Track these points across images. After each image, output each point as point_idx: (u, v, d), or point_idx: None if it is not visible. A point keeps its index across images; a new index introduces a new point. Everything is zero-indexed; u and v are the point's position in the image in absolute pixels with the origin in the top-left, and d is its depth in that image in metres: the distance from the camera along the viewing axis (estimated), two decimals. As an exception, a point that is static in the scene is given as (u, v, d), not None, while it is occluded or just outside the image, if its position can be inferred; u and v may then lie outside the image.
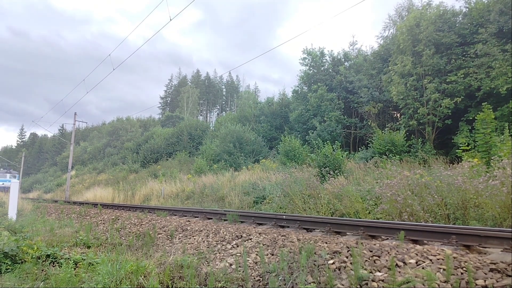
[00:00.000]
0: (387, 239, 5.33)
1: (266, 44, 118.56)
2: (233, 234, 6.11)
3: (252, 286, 3.94)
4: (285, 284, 3.71)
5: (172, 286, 4.22)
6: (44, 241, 6.20)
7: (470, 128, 15.61)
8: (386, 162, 12.60)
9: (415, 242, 4.94)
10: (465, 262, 3.49)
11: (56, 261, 5.03)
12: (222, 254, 5.20)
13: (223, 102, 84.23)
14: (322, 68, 27.95)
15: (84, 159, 59.72)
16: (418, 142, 17.53)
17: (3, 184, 42.26)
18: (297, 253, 4.34)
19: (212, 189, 16.64)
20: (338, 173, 11.95)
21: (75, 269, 4.52)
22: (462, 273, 3.32)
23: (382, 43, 25.66)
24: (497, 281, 3.12)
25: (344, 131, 23.89)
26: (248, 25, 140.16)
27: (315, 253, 4.20)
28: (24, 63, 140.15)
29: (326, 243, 4.64)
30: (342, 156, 13.71)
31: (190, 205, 16.09)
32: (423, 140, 18.00)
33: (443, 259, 3.57)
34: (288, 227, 7.21)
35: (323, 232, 6.32)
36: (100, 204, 15.42)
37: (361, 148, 19.38)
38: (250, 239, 5.66)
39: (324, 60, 28.16)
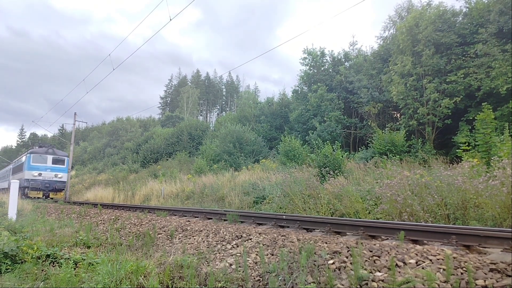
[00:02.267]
0: (387, 239, 5.33)
1: (266, 44, 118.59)
2: (233, 234, 6.11)
3: (252, 286, 3.94)
4: (285, 284, 3.71)
5: (172, 286, 4.22)
6: (44, 241, 6.20)
7: (470, 128, 15.62)
8: (386, 162, 12.60)
9: (415, 242, 4.94)
10: (465, 262, 3.49)
11: (56, 261, 5.03)
12: (222, 254, 5.20)
13: (223, 102, 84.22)
14: (322, 68, 27.95)
15: (84, 159, 59.75)
16: (418, 142, 17.53)
17: (40, 175, 24.23)
18: (297, 253, 4.34)
19: (212, 189, 16.64)
20: (338, 173, 11.94)
21: (75, 269, 4.52)
22: (462, 273, 3.31)
23: (382, 43, 25.67)
24: (497, 281, 3.12)
25: (344, 131, 23.89)
26: (248, 25, 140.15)
27: (315, 253, 4.20)
28: (24, 63, 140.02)
29: (326, 243, 4.64)
30: (342, 156, 13.71)
31: (190, 205, 16.09)
32: (423, 140, 18.00)
33: (443, 259, 3.57)
34: (288, 227, 7.21)
35: (323, 232, 6.32)
36: (100, 204, 15.42)
37: (361, 148, 19.38)
38: (250, 239, 5.65)
39: (325, 60, 28.17)
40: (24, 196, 24.39)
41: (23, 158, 26.41)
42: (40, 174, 24.27)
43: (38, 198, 24.05)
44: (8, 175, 33.63)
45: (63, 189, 25.88)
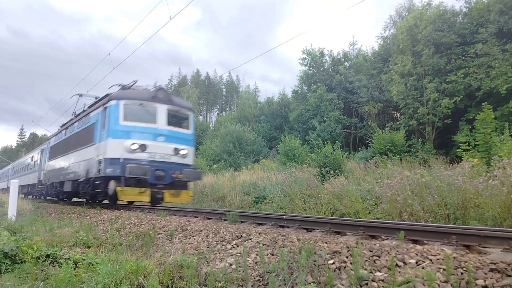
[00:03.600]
0: (387, 239, 5.32)
1: (265, 44, 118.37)
2: (233, 234, 6.10)
3: (252, 286, 3.94)
4: (285, 284, 3.71)
5: (172, 286, 4.22)
6: (44, 241, 6.20)
7: (470, 128, 15.63)
8: (386, 162, 12.60)
9: (415, 242, 4.93)
10: (465, 262, 3.49)
11: (56, 261, 5.03)
12: (222, 254, 5.20)
13: (223, 102, 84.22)
14: (322, 68, 28.00)
15: (84, 159, 59.50)
16: (418, 142, 17.55)
17: (143, 148, 9.76)
18: (297, 253, 4.34)
19: (212, 189, 16.64)
20: (338, 173, 11.94)
21: (75, 269, 4.51)
22: (462, 273, 3.31)
23: (382, 43, 25.69)
24: (497, 281, 3.11)
25: (344, 131, 23.92)
26: (248, 24, 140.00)
27: (315, 253, 4.20)
28: (24, 63, 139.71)
29: (326, 243, 4.63)
30: (342, 156, 13.72)
31: (190, 205, 16.09)
32: (423, 140, 18.02)
33: (443, 259, 3.56)
34: (288, 227, 7.20)
35: (323, 232, 6.31)
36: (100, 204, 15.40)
37: (361, 148, 19.40)
38: (250, 239, 5.65)
39: (324, 60, 28.22)
40: (101, 197, 12.88)
41: (95, 113, 11.58)
42: (143, 148, 10.09)
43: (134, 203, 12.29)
44: (35, 165, 18.62)
45: (189, 182, 11.89)
